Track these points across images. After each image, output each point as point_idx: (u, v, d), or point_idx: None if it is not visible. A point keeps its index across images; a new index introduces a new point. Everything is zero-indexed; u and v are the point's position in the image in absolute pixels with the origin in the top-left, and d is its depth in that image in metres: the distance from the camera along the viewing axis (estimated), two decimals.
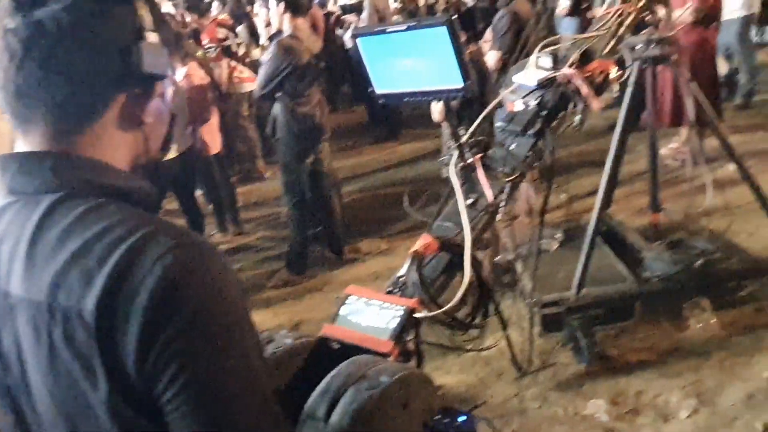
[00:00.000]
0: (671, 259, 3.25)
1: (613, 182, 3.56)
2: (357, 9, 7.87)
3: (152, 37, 0.86)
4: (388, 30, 1.56)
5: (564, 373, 3.18)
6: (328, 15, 8.83)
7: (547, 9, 8.28)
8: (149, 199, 0.89)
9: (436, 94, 1.59)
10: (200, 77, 5.03)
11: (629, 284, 3.35)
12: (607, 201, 3.81)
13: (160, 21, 0.89)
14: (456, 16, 3.85)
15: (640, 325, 3.37)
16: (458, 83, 1.52)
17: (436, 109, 3.83)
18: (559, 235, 3.99)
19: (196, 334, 0.75)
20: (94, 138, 0.84)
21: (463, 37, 3.72)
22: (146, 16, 0.86)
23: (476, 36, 3.93)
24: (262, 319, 4.18)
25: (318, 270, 4.74)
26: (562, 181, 5.29)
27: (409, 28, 1.50)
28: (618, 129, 3.27)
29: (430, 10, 8.90)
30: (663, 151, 5.43)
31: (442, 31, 1.43)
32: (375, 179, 6.51)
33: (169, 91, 0.95)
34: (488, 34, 4.37)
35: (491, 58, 3.94)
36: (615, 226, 3.80)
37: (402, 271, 1.70)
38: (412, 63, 1.55)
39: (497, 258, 3.85)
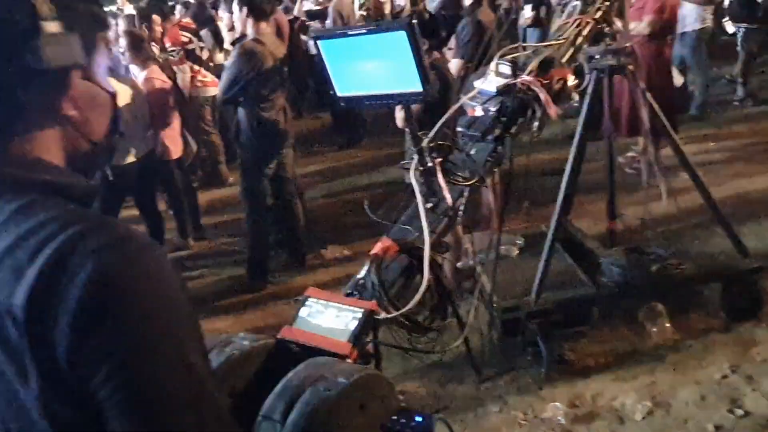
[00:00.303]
0: (627, 265, 3.33)
1: (571, 190, 3.62)
2: (322, 15, 7.88)
3: (52, 26, 0.80)
4: (348, 33, 1.57)
5: (523, 377, 3.22)
6: (293, 21, 8.82)
7: (510, 19, 8.45)
8: (86, 194, 0.87)
9: (397, 98, 1.60)
10: (161, 81, 4.96)
11: (587, 289, 3.41)
12: (566, 208, 3.88)
13: (64, 6, 0.82)
14: (419, 23, 3.88)
15: (598, 329, 3.44)
16: (418, 87, 1.54)
17: (400, 116, 3.85)
18: (519, 242, 4.04)
19: (129, 331, 0.73)
20: (23, 135, 0.82)
21: (426, 45, 3.77)
22: (43, 5, 0.79)
23: (440, 44, 3.96)
24: (223, 325, 4.13)
25: (280, 276, 4.71)
26: (523, 188, 5.40)
27: (369, 32, 1.51)
28: (576, 137, 3.34)
29: (396, 17, 8.94)
30: (621, 159, 5.57)
31: (402, 35, 1.45)
32: (339, 185, 6.51)
33: (100, 73, 0.91)
34: (452, 41, 4.42)
35: (454, 65, 3.99)
36: (574, 232, 3.87)
37: (361, 274, 1.71)
38: (373, 66, 1.56)
39: (459, 264, 3.89)
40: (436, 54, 3.84)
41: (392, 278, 1.71)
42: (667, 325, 3.37)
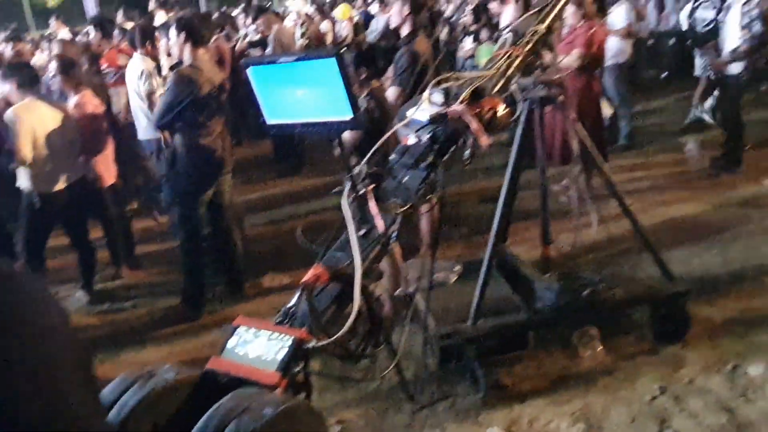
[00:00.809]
0: (561, 290, 3.40)
1: (507, 217, 3.70)
2: (262, 44, 7.87)
3: None
4: (278, 60, 1.57)
5: (461, 403, 3.23)
6: (234, 48, 8.78)
7: (449, 50, 8.65)
8: None
9: (327, 125, 1.60)
10: (94, 106, 4.84)
11: (523, 315, 3.47)
12: (502, 234, 3.95)
13: None
14: (358, 53, 3.92)
15: (534, 354, 3.49)
16: (347, 115, 1.54)
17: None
18: (457, 268, 4.09)
19: None
20: None
21: (365, 74, 3.81)
22: None
23: (378, 73, 4.01)
24: (155, 357, 4.00)
25: (217, 305, 4.61)
26: (461, 215, 5.49)
27: (299, 60, 1.52)
28: (510, 166, 3.42)
29: (348, 47, 9.05)
30: (555, 187, 5.73)
31: (331, 63, 1.46)
32: (279, 213, 6.45)
33: None
34: (390, 71, 4.49)
35: (392, 94, 4.04)
36: (510, 258, 3.94)
37: (292, 302, 1.69)
38: (303, 94, 1.57)
39: (397, 291, 3.90)
40: (374, 83, 3.88)
41: (324, 306, 1.70)
42: (600, 348, 3.45)
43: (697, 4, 6.59)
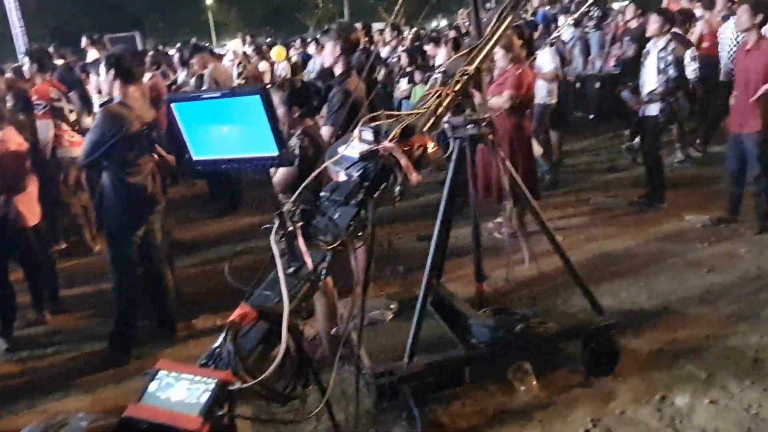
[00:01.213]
0: (495, 326, 3.43)
1: (441, 254, 3.74)
2: (198, 81, 7.82)
3: None
4: (203, 96, 1.56)
5: None
6: (170, 85, 8.69)
7: (386, 91, 8.80)
8: None
9: (253, 162, 1.59)
10: (17, 143, 4.66)
11: (458, 351, 3.47)
12: (437, 271, 3.98)
13: None
14: (292, 91, 3.91)
15: (470, 390, 3.49)
16: (273, 151, 1.54)
17: (275, 180, 3.85)
18: (393, 306, 4.08)
19: None
20: None
21: (298, 112, 3.81)
22: None
23: (312, 111, 4.03)
24: (79, 406, 3.80)
25: (147, 349, 4.43)
26: (399, 253, 5.51)
27: (223, 96, 1.51)
28: (442, 203, 3.47)
29: (281, 86, 9.04)
30: (489, 224, 5.86)
31: (256, 100, 1.46)
32: (214, 253, 6.32)
33: None
34: (324, 109, 4.52)
35: (325, 132, 4.06)
36: (445, 295, 3.96)
37: (217, 343, 1.64)
38: (228, 130, 1.55)
39: (333, 330, 3.85)
40: (308, 121, 3.90)
41: (250, 346, 1.65)
42: (534, 383, 3.48)
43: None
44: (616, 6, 13.09)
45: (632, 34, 8.05)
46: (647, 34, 6.16)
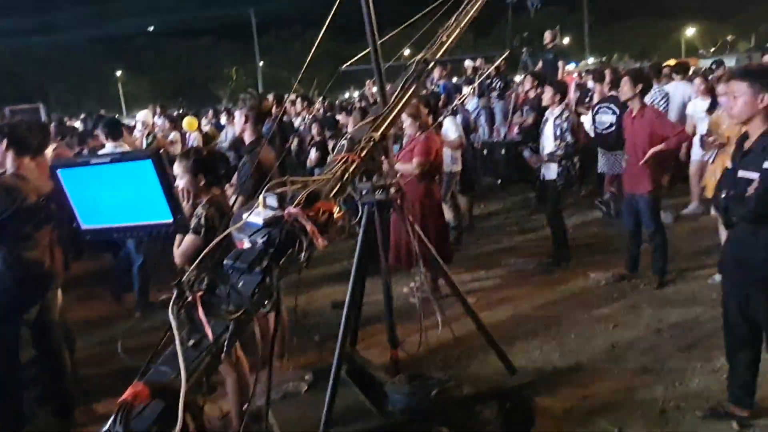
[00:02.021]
0: (410, 392, 3.38)
1: (355, 321, 3.69)
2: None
3: None
4: (91, 162, 1.49)
5: None
6: (76, 156, 8.38)
7: (298, 160, 8.83)
8: None
9: (145, 229, 1.52)
10: None
11: (375, 419, 3.39)
12: (350, 339, 3.92)
13: None
14: (198, 160, 3.83)
15: None
16: (167, 218, 1.48)
17: (177, 252, 3.73)
18: (308, 377, 3.97)
19: None
20: None
21: (203, 181, 3.73)
22: None
23: (218, 180, 3.97)
24: None
25: None
26: (313, 322, 5.41)
27: (113, 161, 1.45)
28: (353, 269, 3.45)
29: (186, 154, 8.90)
30: (405, 289, 5.88)
31: (147, 165, 1.41)
32: (118, 330, 5.98)
33: None
34: (234, 179, 4.48)
35: (236, 202, 4.00)
36: (360, 363, 3.90)
37: (107, 426, 1.52)
38: (119, 197, 1.49)
39: (245, 406, 3.68)
40: (215, 190, 3.83)
41: (144, 428, 1.54)
42: None
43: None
44: (517, 78, 13.90)
45: (531, 104, 8.53)
46: (543, 104, 6.55)
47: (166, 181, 1.44)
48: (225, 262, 2.14)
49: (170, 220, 1.47)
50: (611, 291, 5.73)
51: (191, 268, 1.92)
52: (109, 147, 7.12)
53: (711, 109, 7.32)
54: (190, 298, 1.78)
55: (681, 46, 55.30)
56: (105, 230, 1.57)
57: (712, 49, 53.81)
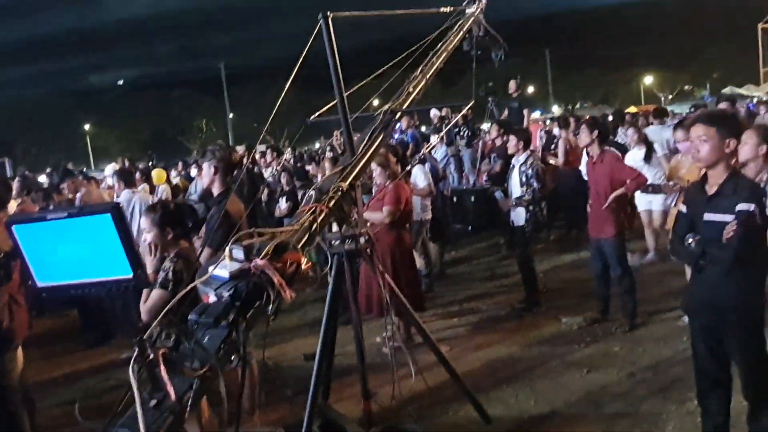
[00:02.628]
0: None
1: (326, 372, 3.62)
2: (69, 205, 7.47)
3: None
4: (48, 217, 1.46)
5: None
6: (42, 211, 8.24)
7: (268, 210, 8.80)
8: None
9: (104, 286, 1.48)
10: None
11: None
12: (323, 391, 3.84)
13: None
14: (165, 212, 3.78)
15: None
16: (126, 273, 1.44)
17: (143, 308, 3.64)
18: None
19: None
20: None
21: (171, 234, 3.68)
22: None
23: (187, 232, 3.91)
24: None
25: None
26: (286, 375, 5.29)
27: (70, 216, 1.42)
28: (324, 320, 3.40)
29: (153, 207, 8.81)
30: (377, 339, 5.80)
31: (106, 219, 1.38)
32: (82, 390, 5.78)
33: None
34: (202, 230, 4.41)
35: (203, 254, 3.93)
36: (333, 417, 3.80)
37: None
38: (76, 253, 1.45)
39: None
40: (182, 243, 3.77)
41: None
42: None
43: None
44: (484, 126, 14.18)
45: (498, 152, 8.67)
46: (509, 152, 6.66)
47: (126, 236, 1.41)
48: (190, 317, 2.09)
49: (129, 276, 1.43)
50: (584, 335, 5.74)
51: (153, 324, 1.87)
52: (125, 194, 7.16)
53: (647, 158, 7.53)
54: (152, 356, 1.72)
55: (641, 93, 57.31)
56: (62, 287, 1.52)
57: (671, 96, 55.81)
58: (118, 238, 1.39)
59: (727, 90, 27.79)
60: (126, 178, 7.34)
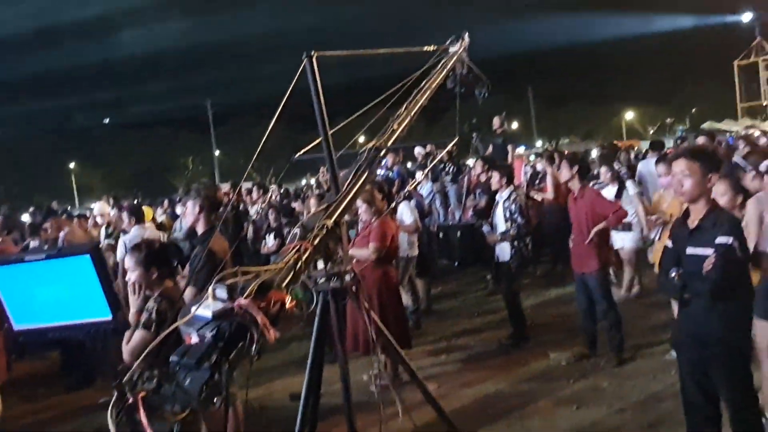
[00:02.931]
0: None
1: (312, 412, 3.54)
2: (52, 244, 7.39)
3: None
4: (25, 259, 1.44)
5: None
6: (23, 251, 8.13)
7: (254, 248, 8.76)
8: None
9: (83, 328, 1.45)
10: None
11: None
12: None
13: None
14: (149, 252, 3.74)
15: None
16: (106, 315, 1.42)
17: (126, 349, 3.58)
18: None
19: None
20: None
21: (155, 274, 3.64)
22: None
23: (171, 272, 3.87)
24: None
25: None
26: (271, 415, 5.19)
27: (48, 257, 1.40)
28: (309, 359, 3.35)
29: (138, 246, 8.74)
30: (364, 377, 5.72)
31: (86, 261, 1.36)
32: None
33: None
34: (186, 270, 4.38)
35: (188, 294, 3.89)
36: None
37: None
38: (55, 295, 1.43)
39: None
40: (167, 282, 3.73)
41: None
42: None
43: None
44: (469, 162, 14.31)
45: (483, 187, 8.73)
46: (492, 189, 6.71)
47: (106, 277, 1.39)
48: (171, 358, 2.05)
49: (109, 318, 1.41)
50: (572, 371, 5.70)
51: (133, 366, 1.84)
52: (135, 231, 7.18)
53: (618, 195, 7.61)
54: (131, 400, 1.69)
55: (622, 128, 58.32)
56: (40, 330, 1.49)
57: (652, 131, 56.81)
58: (97, 280, 1.36)
59: (706, 125, 28.37)
60: (137, 214, 7.38)
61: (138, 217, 7.29)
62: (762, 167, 4.36)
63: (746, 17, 39.02)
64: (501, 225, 6.31)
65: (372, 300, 5.26)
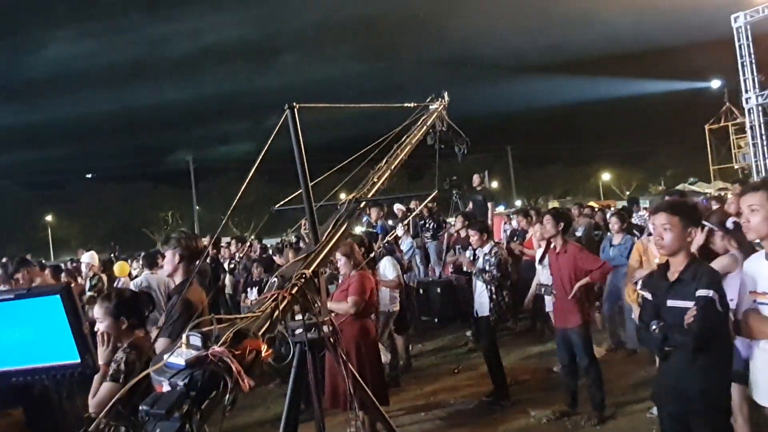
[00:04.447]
0: None
1: None
2: None
3: None
4: None
5: None
6: None
7: (234, 301, 8.63)
8: None
9: (49, 371, 1.41)
10: None
11: None
12: None
13: None
14: (121, 300, 3.66)
15: None
16: (74, 358, 1.38)
17: (92, 402, 3.45)
18: None
19: None
20: None
21: (126, 323, 3.55)
22: None
23: (142, 322, 3.78)
24: None
25: None
26: None
27: (17, 297, 1.36)
28: (285, 413, 3.26)
29: (108, 296, 8.62)
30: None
31: (55, 301, 1.33)
32: None
33: None
34: (161, 320, 4.28)
35: (160, 344, 3.79)
36: None
37: None
38: (20, 336, 1.38)
39: None
40: (138, 332, 3.65)
41: None
42: None
43: None
44: (450, 219, 14.40)
45: (463, 243, 8.76)
46: (472, 246, 6.75)
47: (76, 318, 1.35)
48: (141, 407, 1.98)
49: (77, 361, 1.36)
50: (553, 429, 5.61)
51: (99, 416, 1.77)
52: (144, 276, 7.41)
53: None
54: None
55: (599, 188, 59.45)
56: (3, 374, 1.44)
57: (628, 192, 57.90)
58: (66, 321, 1.33)
59: (680, 187, 28.98)
60: (151, 261, 7.55)
61: (151, 265, 7.42)
62: (729, 224, 4.40)
63: (715, 84, 40.47)
64: (480, 280, 6.31)
65: (350, 354, 5.16)
